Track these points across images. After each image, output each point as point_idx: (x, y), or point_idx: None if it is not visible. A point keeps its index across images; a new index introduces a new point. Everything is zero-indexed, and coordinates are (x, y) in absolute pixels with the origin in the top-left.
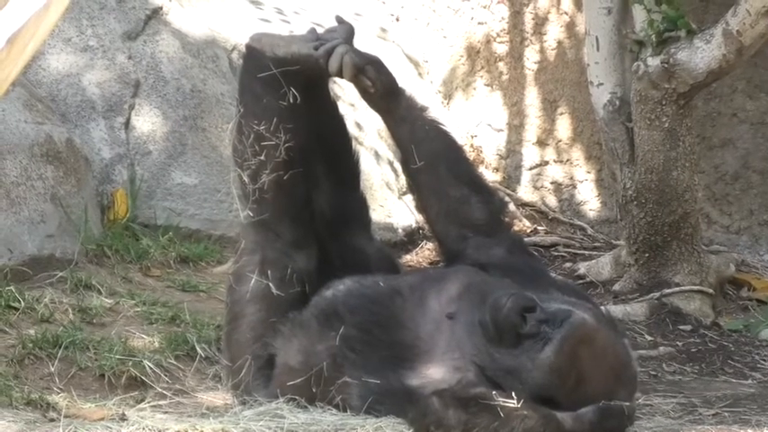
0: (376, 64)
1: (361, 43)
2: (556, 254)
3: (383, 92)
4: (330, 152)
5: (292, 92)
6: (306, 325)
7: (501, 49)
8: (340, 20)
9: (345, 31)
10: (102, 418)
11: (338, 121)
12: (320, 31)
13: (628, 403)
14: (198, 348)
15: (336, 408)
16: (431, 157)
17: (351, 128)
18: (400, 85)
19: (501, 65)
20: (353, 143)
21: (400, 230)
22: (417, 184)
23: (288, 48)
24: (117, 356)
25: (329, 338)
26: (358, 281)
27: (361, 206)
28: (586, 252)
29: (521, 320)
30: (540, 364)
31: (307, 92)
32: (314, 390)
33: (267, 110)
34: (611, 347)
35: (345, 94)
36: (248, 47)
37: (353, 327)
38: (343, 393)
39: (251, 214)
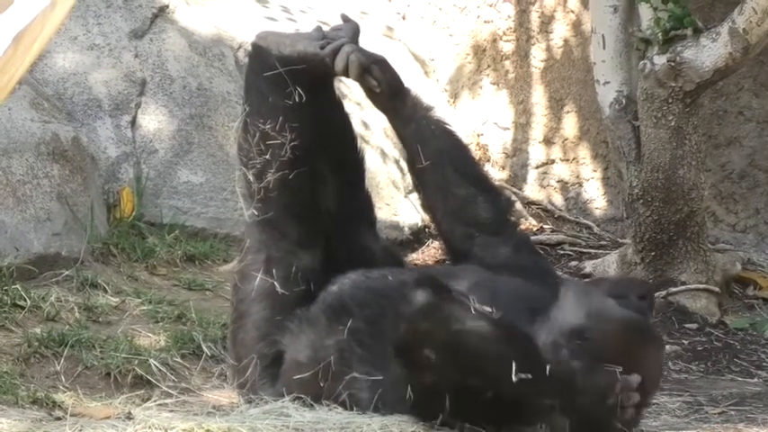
0: (382, 63)
1: (367, 42)
2: (562, 252)
3: (389, 92)
4: (336, 151)
5: (298, 91)
6: (314, 320)
7: (507, 47)
8: (346, 18)
9: (351, 30)
10: (108, 417)
11: (344, 120)
12: (326, 29)
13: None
14: (204, 347)
15: (344, 403)
16: (437, 157)
17: (357, 126)
18: (406, 84)
19: (507, 63)
20: (359, 142)
21: (406, 229)
22: (423, 184)
23: (294, 46)
24: (123, 355)
25: (337, 332)
26: (364, 274)
27: (366, 205)
28: (592, 250)
29: None
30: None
31: (312, 90)
32: (321, 384)
33: (273, 109)
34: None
35: (351, 93)
36: (254, 45)
37: (362, 320)
38: (350, 388)
39: (256, 213)
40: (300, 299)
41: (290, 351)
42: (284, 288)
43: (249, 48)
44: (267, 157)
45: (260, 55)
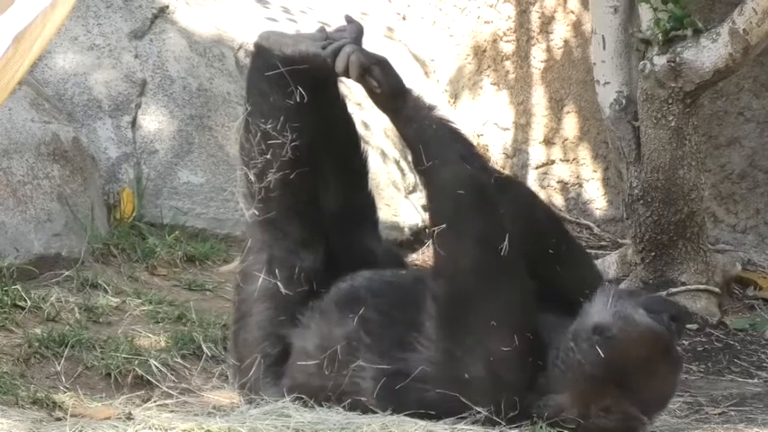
0: (383, 64)
1: (367, 42)
2: None
3: (390, 92)
4: (338, 151)
5: (300, 91)
6: (325, 311)
7: (507, 47)
8: (349, 19)
9: (354, 31)
10: (109, 417)
11: (346, 121)
12: (329, 30)
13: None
14: (204, 347)
15: (346, 392)
16: (439, 156)
17: (357, 127)
18: (407, 84)
19: (507, 64)
20: (362, 142)
21: (406, 229)
22: (427, 184)
23: (296, 47)
24: (123, 355)
25: (348, 322)
26: (378, 271)
27: (369, 205)
28: (593, 251)
29: None
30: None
31: (314, 91)
32: (326, 373)
33: (274, 108)
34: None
35: (352, 94)
36: (256, 45)
37: (374, 309)
38: (355, 377)
39: (256, 213)
40: (304, 299)
41: (299, 342)
42: (287, 288)
43: (251, 47)
44: (268, 156)
45: (262, 55)
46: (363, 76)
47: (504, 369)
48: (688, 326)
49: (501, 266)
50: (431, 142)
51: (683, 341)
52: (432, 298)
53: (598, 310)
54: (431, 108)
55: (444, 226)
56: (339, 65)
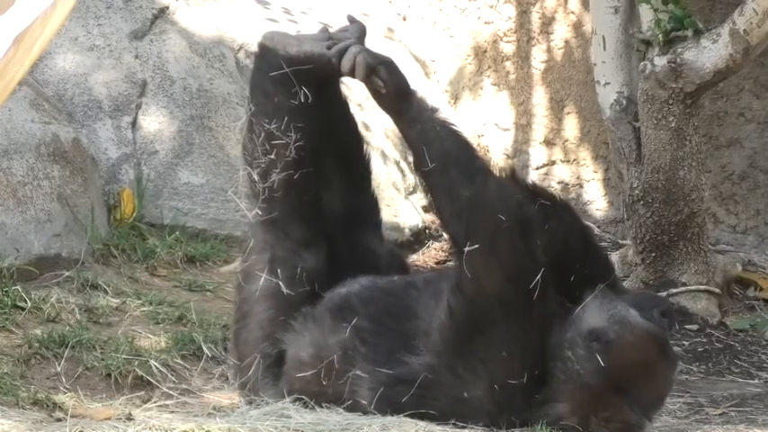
0: (388, 65)
1: (368, 43)
2: None
3: (394, 93)
4: (341, 152)
5: (304, 91)
6: (319, 319)
7: (508, 48)
8: (352, 19)
9: (357, 31)
10: (109, 418)
11: (349, 121)
12: (332, 30)
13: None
14: (204, 348)
15: (345, 400)
16: (442, 158)
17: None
18: (412, 86)
19: (508, 64)
20: (364, 143)
21: (407, 230)
22: (430, 186)
23: (300, 47)
24: (123, 356)
25: (342, 331)
26: (373, 278)
27: (372, 206)
28: None
29: None
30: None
31: (318, 91)
32: (324, 383)
33: (278, 109)
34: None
35: (352, 95)
36: (260, 45)
37: (366, 318)
38: (353, 386)
39: (260, 213)
40: (305, 299)
41: (293, 349)
42: (289, 288)
43: (255, 48)
44: (272, 156)
45: (266, 55)
46: (369, 77)
47: (505, 396)
48: (688, 326)
49: (525, 304)
50: (433, 144)
51: (684, 342)
52: (447, 309)
53: (591, 314)
54: (434, 110)
55: (477, 246)
56: (345, 65)
